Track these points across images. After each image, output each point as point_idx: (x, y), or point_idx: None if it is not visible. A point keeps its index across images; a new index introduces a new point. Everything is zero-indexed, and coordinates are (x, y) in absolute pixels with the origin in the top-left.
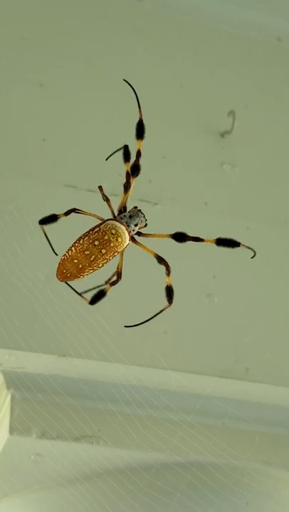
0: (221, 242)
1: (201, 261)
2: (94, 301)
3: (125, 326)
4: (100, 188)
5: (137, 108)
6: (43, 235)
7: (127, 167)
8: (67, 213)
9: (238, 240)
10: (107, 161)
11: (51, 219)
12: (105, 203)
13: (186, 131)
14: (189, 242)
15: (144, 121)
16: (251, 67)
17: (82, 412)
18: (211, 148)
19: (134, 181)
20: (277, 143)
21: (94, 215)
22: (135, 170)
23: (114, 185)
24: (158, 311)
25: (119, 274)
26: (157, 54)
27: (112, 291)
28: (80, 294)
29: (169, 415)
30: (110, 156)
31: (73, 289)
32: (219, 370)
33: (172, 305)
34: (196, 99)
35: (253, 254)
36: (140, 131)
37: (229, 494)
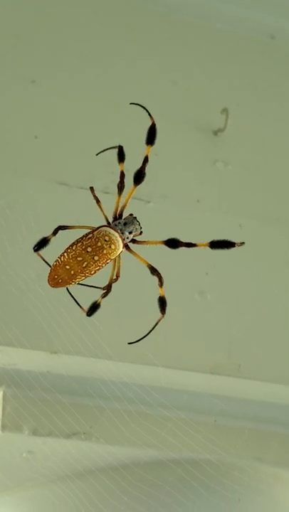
0: (215, 244)
1: (194, 258)
2: (91, 312)
3: (129, 343)
4: (92, 189)
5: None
6: (39, 257)
7: (122, 167)
8: (54, 233)
9: (232, 240)
10: (100, 159)
11: (43, 244)
12: (99, 206)
13: (178, 129)
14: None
15: (156, 128)
16: (244, 64)
17: (73, 409)
18: (203, 145)
19: (135, 189)
20: (270, 141)
21: (82, 227)
22: (139, 177)
23: (106, 183)
24: (154, 324)
25: (109, 286)
26: (150, 51)
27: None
28: (79, 305)
29: (160, 412)
30: (101, 152)
31: (73, 298)
32: (211, 367)
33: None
34: (188, 96)
35: (243, 246)
36: (151, 137)
37: (221, 490)
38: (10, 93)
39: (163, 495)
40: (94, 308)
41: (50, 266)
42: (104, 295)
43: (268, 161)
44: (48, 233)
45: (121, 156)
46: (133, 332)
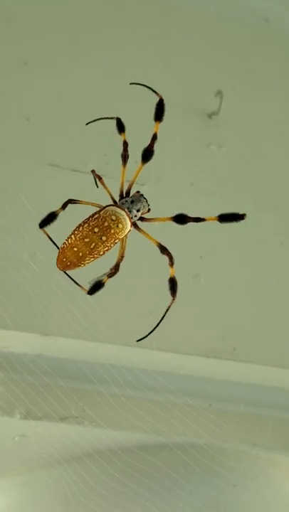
0: (224, 218)
1: (188, 242)
2: (92, 291)
3: (137, 340)
4: (93, 172)
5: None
6: (46, 235)
7: (124, 136)
8: (64, 206)
9: (240, 212)
10: (92, 141)
11: (50, 218)
12: (100, 187)
13: (173, 112)
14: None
15: (165, 102)
16: (239, 48)
17: (67, 391)
18: (197, 128)
19: (143, 167)
20: (263, 124)
21: (91, 203)
22: (148, 155)
23: (99, 165)
24: (165, 310)
25: (117, 266)
26: (144, 35)
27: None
28: (78, 284)
29: (155, 396)
30: (92, 121)
31: (71, 279)
32: (206, 350)
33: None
34: (183, 79)
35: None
36: (160, 113)
37: (216, 475)
38: (1, 75)
39: (159, 478)
40: (97, 286)
41: (56, 245)
42: (111, 275)
43: (261, 144)
44: (50, 209)
45: (120, 127)
46: (129, 314)
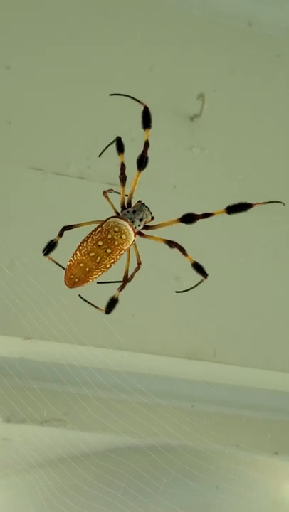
0: (232, 209)
1: None
2: (109, 309)
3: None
4: (104, 193)
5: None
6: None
7: (121, 158)
8: (60, 234)
9: (247, 201)
10: (75, 144)
11: (52, 246)
12: (106, 198)
13: (155, 114)
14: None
15: (150, 110)
16: (221, 50)
17: (48, 395)
18: (180, 131)
19: (139, 175)
20: (246, 126)
21: (88, 223)
22: (142, 162)
23: (81, 169)
24: (196, 284)
25: (125, 277)
26: (126, 36)
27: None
28: (94, 306)
29: (137, 398)
30: (103, 151)
31: (88, 302)
32: (187, 352)
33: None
34: (165, 82)
35: (282, 204)
36: (147, 120)
37: (198, 477)
38: None
39: (139, 481)
40: (112, 304)
41: (62, 266)
42: (122, 288)
43: (243, 146)
44: (53, 235)
45: (120, 147)
46: (111, 316)
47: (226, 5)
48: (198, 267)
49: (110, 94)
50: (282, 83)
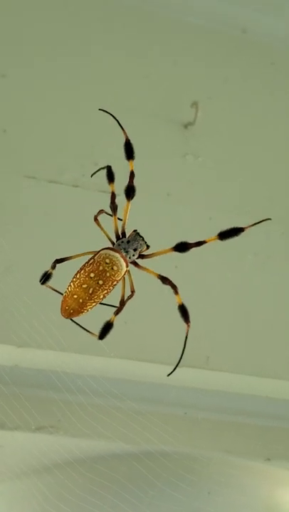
0: (224, 235)
1: None
2: (102, 335)
3: (168, 375)
4: (96, 219)
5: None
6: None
7: (112, 188)
8: (53, 267)
9: (239, 226)
10: (69, 152)
11: (48, 277)
12: (101, 229)
13: (149, 122)
14: None
15: (132, 142)
16: (215, 58)
17: (42, 402)
18: (174, 139)
19: (129, 205)
20: (240, 134)
21: (79, 255)
22: (130, 191)
23: (75, 177)
24: (185, 339)
25: (121, 302)
26: (121, 45)
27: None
28: (87, 331)
29: (130, 405)
30: (95, 172)
31: (81, 327)
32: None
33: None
34: (159, 90)
35: (269, 220)
36: (129, 152)
37: (191, 483)
38: None
39: (133, 487)
40: (106, 328)
41: (61, 293)
42: (117, 312)
43: (237, 154)
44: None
45: (110, 177)
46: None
47: (220, 13)
48: (183, 311)
49: (99, 109)
50: (277, 91)
